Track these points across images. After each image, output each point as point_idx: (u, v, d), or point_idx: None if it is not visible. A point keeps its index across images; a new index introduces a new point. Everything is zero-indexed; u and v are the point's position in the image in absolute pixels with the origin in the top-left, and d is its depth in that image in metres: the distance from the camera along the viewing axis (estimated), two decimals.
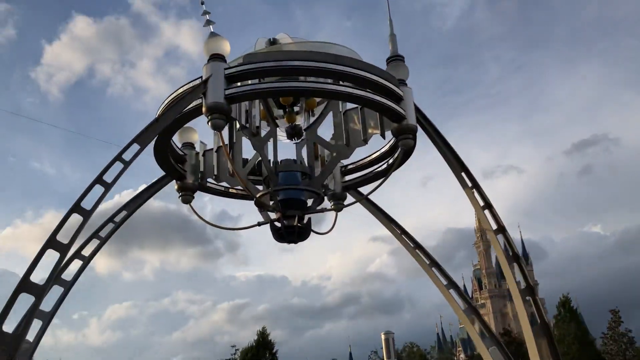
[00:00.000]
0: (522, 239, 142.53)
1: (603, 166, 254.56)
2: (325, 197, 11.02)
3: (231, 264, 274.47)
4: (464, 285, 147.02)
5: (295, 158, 10.78)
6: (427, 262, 13.58)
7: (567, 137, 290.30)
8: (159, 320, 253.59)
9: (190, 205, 11.30)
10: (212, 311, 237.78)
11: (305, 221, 10.23)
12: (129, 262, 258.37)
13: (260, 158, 10.41)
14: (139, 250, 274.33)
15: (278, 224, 10.02)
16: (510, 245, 11.24)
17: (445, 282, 13.43)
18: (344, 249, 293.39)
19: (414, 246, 13.77)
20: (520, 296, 11.16)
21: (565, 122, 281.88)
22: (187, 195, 11.18)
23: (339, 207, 11.30)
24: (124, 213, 11.16)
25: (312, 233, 10.44)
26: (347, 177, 12.05)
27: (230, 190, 11.85)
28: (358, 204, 13.07)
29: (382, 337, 17.20)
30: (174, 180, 10.91)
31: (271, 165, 10.26)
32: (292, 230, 9.94)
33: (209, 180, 11.43)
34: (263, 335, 44.99)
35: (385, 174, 10.65)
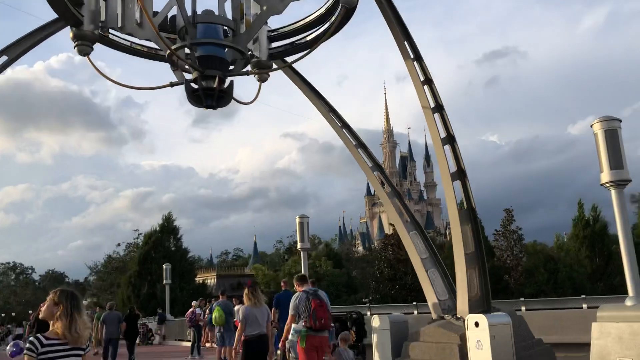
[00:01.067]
0: (426, 143, 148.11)
1: (509, 78, 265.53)
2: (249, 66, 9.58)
3: (136, 152, 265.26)
4: (368, 184, 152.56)
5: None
6: (354, 143, 12.79)
7: (479, 47, 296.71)
8: (57, 205, 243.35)
9: (89, 58, 9.45)
10: (115, 198, 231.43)
11: (226, 85, 8.77)
12: (24, 143, 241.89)
13: (174, 6, 8.68)
14: (36, 132, 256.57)
15: (195, 85, 8.52)
16: (446, 125, 10.59)
17: (370, 164, 12.78)
18: (254, 144, 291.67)
19: (341, 125, 12.87)
20: (450, 179, 10.72)
21: (478, 33, 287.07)
22: (84, 45, 9.30)
23: (263, 77, 9.81)
24: (4, 58, 9.26)
25: (233, 100, 9.06)
26: (275, 44, 10.57)
27: (137, 46, 10.13)
28: (290, 82, 11.83)
29: (297, 220, 16.60)
30: (70, 28, 9.02)
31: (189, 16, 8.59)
32: (211, 93, 8.43)
33: (112, 32, 9.60)
34: (168, 220, 44.07)
35: (312, 44, 9.28)
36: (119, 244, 53.96)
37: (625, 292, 8.83)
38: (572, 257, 40.05)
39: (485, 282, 10.94)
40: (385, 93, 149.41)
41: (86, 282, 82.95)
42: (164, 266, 28.72)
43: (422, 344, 10.94)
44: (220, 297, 16.24)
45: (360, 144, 12.96)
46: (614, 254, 44.19)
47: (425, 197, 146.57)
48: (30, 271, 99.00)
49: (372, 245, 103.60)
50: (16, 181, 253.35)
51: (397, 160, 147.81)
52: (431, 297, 11.71)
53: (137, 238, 50.56)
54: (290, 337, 7.63)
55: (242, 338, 7.89)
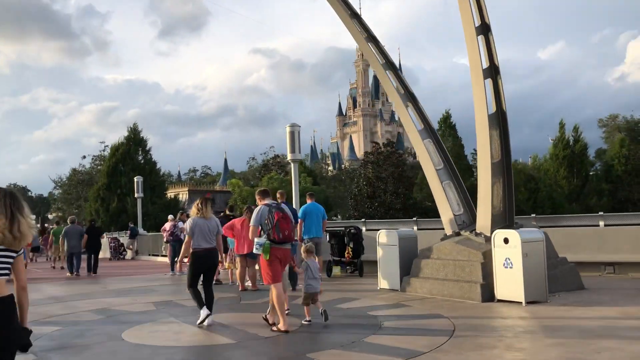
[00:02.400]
0: (400, 62, 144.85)
1: None
2: None
3: (100, 65, 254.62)
4: (339, 104, 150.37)
5: None
6: (364, 36, 11.13)
7: None
8: (17, 118, 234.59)
9: None
10: (78, 112, 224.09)
11: None
12: None
13: None
14: None
15: None
16: (481, 12, 9.02)
17: (381, 61, 11.20)
18: (222, 60, 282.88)
19: (350, 14, 11.17)
20: (482, 76, 9.28)
21: None
22: None
23: None
24: None
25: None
26: None
27: None
28: None
29: (288, 129, 15.13)
30: None
31: None
32: None
33: None
34: (134, 132, 41.72)
35: None
36: (84, 157, 51.60)
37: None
38: (550, 178, 39.90)
39: (509, 196, 9.81)
40: (360, 8, 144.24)
41: (50, 197, 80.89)
42: (135, 179, 27.09)
43: (436, 261, 9.90)
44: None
45: (371, 37, 11.31)
46: (591, 176, 44.56)
47: (396, 118, 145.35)
48: None
49: (343, 166, 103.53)
50: None
51: (371, 80, 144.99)
52: (446, 212, 10.59)
53: (104, 150, 48.36)
54: (254, 250, 7.22)
55: (190, 251, 7.72)
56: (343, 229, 13.46)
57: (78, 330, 7.63)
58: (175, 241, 16.10)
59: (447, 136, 42.52)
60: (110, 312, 9.24)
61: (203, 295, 7.62)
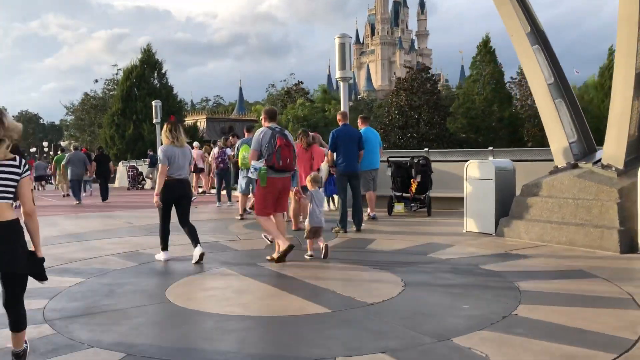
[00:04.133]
0: None
1: None
2: None
3: None
4: (357, 31, 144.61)
5: None
6: None
7: None
8: (27, 45, 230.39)
9: None
10: (88, 39, 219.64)
11: None
12: None
13: None
14: None
15: None
16: None
17: None
18: None
19: None
20: None
21: None
22: None
23: None
24: None
25: None
26: None
27: None
28: None
29: (337, 41, 12.72)
30: None
31: None
32: None
33: None
34: (148, 54, 38.83)
35: None
36: (96, 81, 49.27)
37: None
38: (594, 109, 37.14)
39: None
40: None
41: (62, 124, 79.23)
42: (154, 103, 24.88)
43: (548, 200, 7.85)
44: (246, 134, 13.02)
45: None
46: None
47: (416, 47, 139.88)
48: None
49: (360, 96, 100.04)
50: None
51: (390, 6, 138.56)
52: (558, 138, 8.41)
53: (117, 74, 45.69)
54: (249, 174, 6.71)
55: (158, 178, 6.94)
56: (408, 159, 11.37)
57: (106, 286, 5.74)
58: (224, 170, 14.36)
59: (486, 62, 39.65)
60: (142, 256, 7.37)
61: (185, 232, 6.92)
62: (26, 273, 3.34)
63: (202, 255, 6.66)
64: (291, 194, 7.68)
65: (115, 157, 35.18)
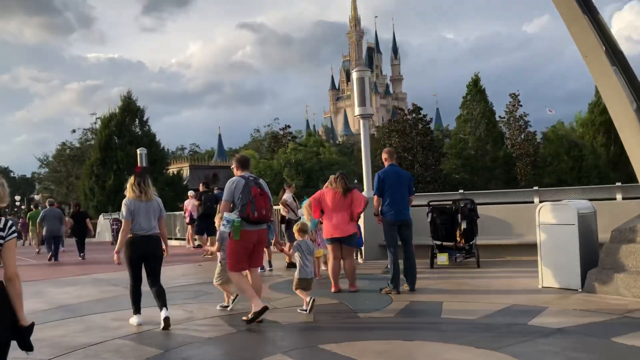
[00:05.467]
0: (394, 35, 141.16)
1: None
2: None
3: (84, 42, 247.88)
4: (332, 77, 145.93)
5: None
6: None
7: None
8: None
9: None
10: (61, 91, 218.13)
11: None
12: None
13: None
14: None
15: None
16: None
17: None
18: (207, 36, 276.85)
19: None
20: None
21: None
22: None
23: None
24: None
25: None
26: None
27: None
28: None
29: (355, 76, 11.63)
30: None
31: None
32: None
33: None
34: (128, 100, 37.25)
35: None
36: (74, 131, 46.98)
37: None
38: (586, 145, 36.65)
39: None
40: None
41: (35, 177, 76.65)
42: (138, 151, 23.28)
43: None
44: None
45: None
46: None
47: (391, 91, 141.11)
48: None
49: (337, 141, 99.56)
50: None
51: (364, 52, 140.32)
52: None
53: (95, 123, 43.92)
54: (222, 227, 6.18)
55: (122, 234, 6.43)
56: (450, 203, 10.02)
57: None
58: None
59: (477, 101, 39.10)
60: (160, 337, 5.79)
61: (153, 295, 6.32)
62: (8, 341, 3.09)
63: (166, 320, 6.10)
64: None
65: (95, 209, 33.25)
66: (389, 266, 7.92)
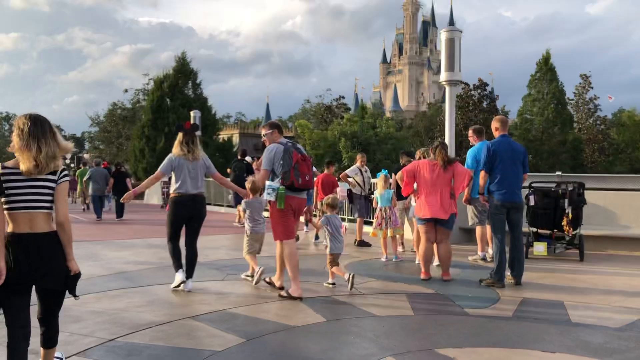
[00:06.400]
0: (451, 9, 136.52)
1: None
2: None
3: (138, 5, 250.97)
4: (384, 50, 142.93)
5: None
6: None
7: None
8: (52, 58, 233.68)
9: None
10: (112, 53, 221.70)
11: None
12: None
13: None
14: None
15: None
16: None
17: None
18: (257, 5, 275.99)
19: None
20: None
21: None
22: None
23: None
24: None
25: None
26: None
27: None
28: None
29: (444, 36, 10.51)
30: None
31: None
32: None
33: None
34: (183, 62, 36.32)
35: None
36: (126, 90, 46.70)
37: None
38: None
39: None
40: None
41: (83, 136, 77.88)
42: (192, 113, 22.72)
43: None
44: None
45: None
46: None
47: None
48: None
49: (385, 117, 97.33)
50: (8, 29, 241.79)
51: (419, 26, 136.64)
52: None
53: (148, 84, 43.57)
54: (265, 196, 5.76)
55: (170, 195, 6.30)
56: (554, 185, 8.77)
57: None
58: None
59: (547, 80, 36.84)
60: (238, 324, 4.90)
61: (183, 255, 6.28)
62: (63, 289, 3.23)
63: (182, 284, 6.10)
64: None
65: (145, 171, 33.00)
66: (493, 255, 6.81)
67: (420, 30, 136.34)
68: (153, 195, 27.80)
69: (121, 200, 6.46)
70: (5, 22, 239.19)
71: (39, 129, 3.13)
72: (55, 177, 3.16)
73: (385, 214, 8.29)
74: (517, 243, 6.69)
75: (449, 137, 10.96)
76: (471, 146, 8.52)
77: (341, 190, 10.95)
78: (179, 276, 6.15)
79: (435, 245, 7.08)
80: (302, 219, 8.98)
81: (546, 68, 39.19)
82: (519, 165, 6.69)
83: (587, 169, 33.71)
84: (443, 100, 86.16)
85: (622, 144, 35.76)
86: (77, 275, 3.22)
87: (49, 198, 3.13)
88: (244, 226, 7.14)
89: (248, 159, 14.72)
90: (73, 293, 3.26)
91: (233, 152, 33.80)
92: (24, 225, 3.08)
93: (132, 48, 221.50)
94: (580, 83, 40.01)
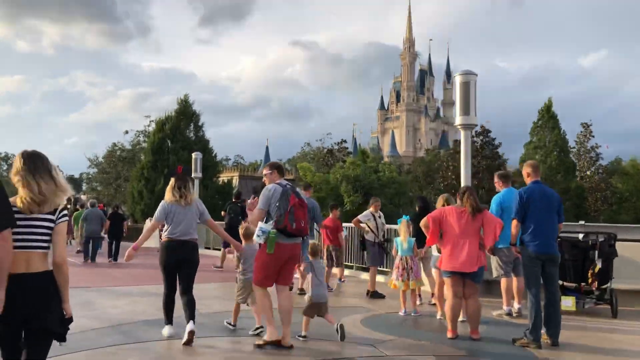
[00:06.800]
0: (448, 59, 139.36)
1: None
2: None
3: (141, 51, 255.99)
4: (382, 97, 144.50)
5: None
6: None
7: None
8: (54, 100, 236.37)
9: None
10: (114, 96, 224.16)
11: None
12: (23, 30, 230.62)
13: None
14: (35, 19, 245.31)
15: None
16: None
17: None
18: (258, 52, 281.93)
19: None
20: None
21: None
22: None
23: None
24: None
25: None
26: None
27: None
28: None
29: (459, 80, 10.23)
30: None
31: None
32: None
33: None
34: (185, 104, 36.25)
35: None
36: (126, 132, 46.49)
37: None
38: None
39: None
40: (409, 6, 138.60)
41: (81, 178, 77.56)
42: (194, 155, 22.27)
43: None
44: (304, 192, 10.49)
45: None
46: None
47: (441, 115, 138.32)
48: None
49: (383, 161, 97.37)
50: (13, 71, 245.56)
51: (416, 74, 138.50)
52: None
53: (149, 125, 43.42)
54: (255, 237, 5.62)
55: (161, 239, 6.12)
56: (582, 236, 8.24)
57: None
58: None
59: (549, 127, 36.80)
60: None
61: (182, 304, 5.92)
62: (56, 331, 3.09)
63: (191, 334, 5.68)
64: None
65: (142, 213, 32.42)
66: (529, 311, 6.20)
67: (418, 79, 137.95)
68: (150, 238, 27.12)
69: (124, 260, 6.23)
70: (10, 64, 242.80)
71: (33, 165, 3.07)
72: (53, 217, 3.10)
73: (407, 264, 7.73)
74: (553, 299, 6.12)
75: (464, 183, 10.51)
76: (496, 193, 8.05)
77: (342, 236, 10.65)
78: (166, 331, 5.99)
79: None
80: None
81: (548, 116, 39.28)
82: (553, 213, 6.19)
83: (591, 218, 33.36)
84: (440, 147, 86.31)
85: (626, 193, 35.51)
86: (70, 320, 3.16)
87: (47, 238, 3.08)
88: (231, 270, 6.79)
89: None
90: (63, 338, 3.13)
91: (233, 194, 33.28)
92: (20, 266, 2.99)
93: (133, 91, 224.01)
94: (581, 131, 40.17)
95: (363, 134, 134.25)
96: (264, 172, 6.05)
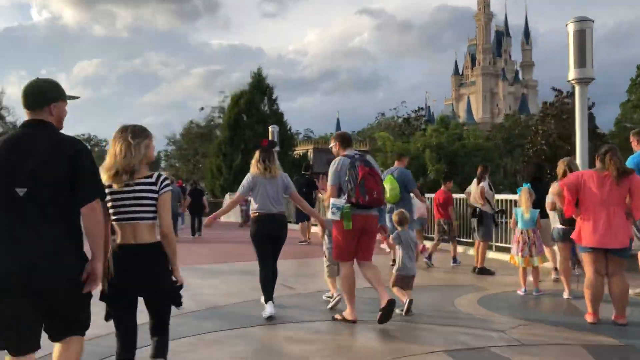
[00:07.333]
0: (526, 18, 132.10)
1: None
2: None
3: (209, 28, 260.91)
4: (455, 62, 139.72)
5: None
6: None
7: None
8: (129, 81, 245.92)
9: None
10: (186, 75, 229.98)
11: None
12: (99, 15, 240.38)
13: None
14: (109, 3, 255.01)
15: None
16: None
17: None
18: (324, 23, 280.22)
19: None
20: None
21: None
22: None
23: None
24: None
25: None
26: None
27: None
28: None
29: (571, 27, 9.13)
30: None
31: None
32: None
33: None
34: (259, 78, 36.07)
35: None
36: (202, 108, 47.30)
37: None
38: None
39: None
40: None
41: (159, 155, 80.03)
42: (270, 128, 21.91)
43: None
44: (397, 162, 9.87)
45: None
46: None
47: (520, 78, 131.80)
48: (104, 144, 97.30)
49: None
50: (92, 55, 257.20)
51: (492, 36, 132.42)
52: None
53: (223, 101, 43.78)
54: (329, 215, 5.33)
55: (250, 215, 6.01)
56: None
57: None
58: None
59: None
60: None
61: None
62: (168, 299, 3.25)
63: (269, 319, 5.55)
64: None
65: (222, 188, 32.72)
66: None
67: (494, 41, 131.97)
68: (230, 213, 27.31)
69: (203, 225, 6.45)
70: (89, 49, 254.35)
71: (121, 134, 3.23)
72: (156, 188, 3.18)
73: (529, 238, 6.85)
74: None
75: (580, 147, 9.42)
76: (634, 152, 7.01)
77: (422, 208, 10.26)
78: (267, 310, 5.69)
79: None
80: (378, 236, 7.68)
81: None
82: None
83: None
84: (520, 112, 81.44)
85: None
86: (181, 286, 3.32)
87: (152, 209, 3.16)
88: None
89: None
90: (178, 303, 3.29)
91: (303, 165, 33.02)
92: (128, 237, 3.14)
93: (204, 70, 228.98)
94: None
95: (436, 102, 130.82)
96: (330, 144, 5.89)
